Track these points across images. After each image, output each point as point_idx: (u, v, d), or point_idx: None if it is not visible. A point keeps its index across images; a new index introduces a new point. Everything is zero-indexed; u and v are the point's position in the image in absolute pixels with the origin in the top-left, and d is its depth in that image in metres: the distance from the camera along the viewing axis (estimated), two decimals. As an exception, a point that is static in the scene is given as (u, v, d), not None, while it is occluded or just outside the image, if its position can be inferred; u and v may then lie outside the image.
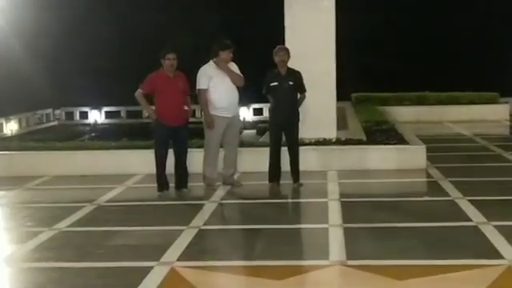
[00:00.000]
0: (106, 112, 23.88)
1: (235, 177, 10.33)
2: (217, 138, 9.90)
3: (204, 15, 27.03)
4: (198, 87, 9.83)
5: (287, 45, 11.02)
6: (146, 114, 10.63)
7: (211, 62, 9.87)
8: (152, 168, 9.84)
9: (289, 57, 9.90)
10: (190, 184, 9.90)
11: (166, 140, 9.62)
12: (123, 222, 8.30)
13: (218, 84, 9.74)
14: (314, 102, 11.12)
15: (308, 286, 6.05)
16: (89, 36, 26.24)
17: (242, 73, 9.99)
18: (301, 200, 9.70)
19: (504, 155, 12.66)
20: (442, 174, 10.74)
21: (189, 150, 10.03)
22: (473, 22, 26.42)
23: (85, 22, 26.14)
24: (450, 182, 10.05)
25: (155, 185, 9.80)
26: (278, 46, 10.03)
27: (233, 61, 9.96)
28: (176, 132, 9.56)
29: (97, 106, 23.69)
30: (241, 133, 11.31)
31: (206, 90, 9.76)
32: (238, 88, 9.95)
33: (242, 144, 10.58)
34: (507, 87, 21.31)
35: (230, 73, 9.79)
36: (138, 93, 9.64)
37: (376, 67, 25.82)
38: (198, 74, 9.87)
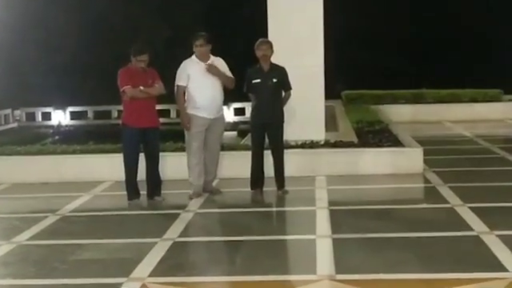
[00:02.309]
0: (71, 112, 23.74)
1: (214, 183, 10.32)
2: (197, 141, 9.85)
3: (180, 6, 27.00)
4: (176, 83, 9.84)
5: (270, 37, 11.05)
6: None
7: (193, 56, 9.87)
8: (121, 174, 9.81)
9: (272, 51, 9.92)
10: (163, 191, 9.89)
11: (136, 143, 9.60)
12: (90, 234, 8.26)
13: (197, 81, 9.71)
14: (300, 100, 11.15)
15: (293, 303, 6.07)
16: (52, 28, 26.10)
17: (230, 69, 9.96)
18: (286, 208, 9.70)
19: (508, 158, 12.75)
20: (440, 179, 10.80)
21: (162, 154, 10.02)
22: (474, 13, 26.59)
23: (48, 12, 26.01)
24: (450, 187, 10.11)
25: (125, 193, 9.77)
26: (260, 39, 10.04)
27: (214, 55, 9.95)
28: (146, 135, 9.55)
29: (61, 106, 23.56)
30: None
31: (184, 87, 9.77)
32: (223, 87, 9.93)
33: (222, 147, 10.56)
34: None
35: (221, 76, 9.76)
36: (130, 90, 9.44)
37: (368, 62, 25.90)
38: (178, 69, 9.88)
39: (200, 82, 9.70)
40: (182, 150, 10.38)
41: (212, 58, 9.90)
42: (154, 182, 9.79)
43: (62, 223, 8.88)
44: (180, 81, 9.79)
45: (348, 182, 10.78)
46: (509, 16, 25.53)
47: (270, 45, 9.96)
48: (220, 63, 9.94)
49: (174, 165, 10.53)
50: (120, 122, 9.85)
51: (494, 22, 26.02)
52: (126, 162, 9.68)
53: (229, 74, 9.95)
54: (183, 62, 9.90)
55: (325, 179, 10.96)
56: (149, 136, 9.59)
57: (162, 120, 10.33)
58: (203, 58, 9.78)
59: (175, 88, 9.85)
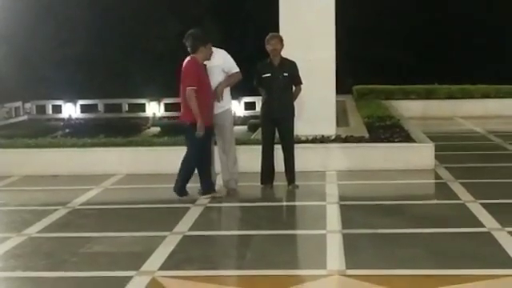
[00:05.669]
0: (82, 105, 23.83)
1: (233, 183, 9.86)
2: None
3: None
4: None
5: (282, 31, 11.05)
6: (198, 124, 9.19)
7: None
8: (132, 168, 9.82)
9: (282, 45, 9.89)
10: (169, 185, 9.87)
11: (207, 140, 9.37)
12: (100, 227, 8.31)
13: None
14: (311, 95, 11.15)
15: (303, 297, 6.08)
16: (63, 20, 26.16)
17: (240, 62, 9.75)
18: (296, 203, 9.71)
19: (520, 154, 12.73)
20: (451, 174, 10.78)
21: (175, 148, 10.01)
22: (488, 7, 26.49)
23: (58, 5, 26.06)
24: (461, 183, 10.09)
25: (135, 186, 9.78)
26: (270, 34, 10.03)
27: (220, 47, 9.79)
28: (208, 130, 9.32)
29: (71, 99, 23.63)
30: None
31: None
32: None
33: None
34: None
35: (222, 86, 9.55)
36: (193, 92, 9.04)
37: (380, 57, 25.87)
38: None
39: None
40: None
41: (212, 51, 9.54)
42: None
43: (72, 216, 8.90)
44: None
45: (359, 178, 10.77)
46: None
47: (280, 39, 9.94)
48: (220, 56, 9.60)
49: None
50: (183, 118, 9.36)
51: (507, 20, 25.94)
52: (194, 164, 9.35)
53: (229, 66, 9.58)
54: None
55: (335, 174, 10.95)
56: (210, 132, 9.40)
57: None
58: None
59: None
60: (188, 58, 9.31)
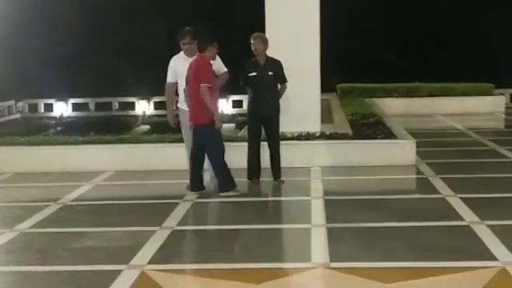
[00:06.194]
0: (73, 104, 23.78)
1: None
2: (187, 135, 9.77)
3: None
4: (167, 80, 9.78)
5: (268, 31, 11.06)
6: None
7: (181, 52, 9.71)
8: (122, 165, 9.80)
9: (264, 45, 9.85)
10: (163, 181, 9.87)
11: None
12: (90, 223, 8.27)
13: (183, 76, 9.52)
14: (296, 93, 11.13)
15: (288, 290, 6.08)
16: (54, 21, 26.05)
17: (226, 62, 9.75)
18: (282, 198, 9.71)
19: (499, 150, 12.76)
20: (432, 170, 10.81)
21: (161, 145, 9.99)
22: (466, 8, 26.59)
23: (50, 5, 25.96)
24: (441, 178, 10.12)
25: (125, 182, 9.75)
26: (254, 34, 9.99)
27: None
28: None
29: (63, 98, 23.56)
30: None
31: (172, 84, 9.67)
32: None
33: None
34: (503, 78, 21.47)
35: (217, 84, 9.59)
36: (207, 89, 9.03)
37: (363, 56, 25.91)
38: (168, 66, 9.77)
39: (184, 77, 9.49)
40: (180, 141, 10.35)
41: None
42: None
43: (63, 212, 8.88)
44: (168, 78, 9.71)
45: (342, 173, 10.78)
46: (501, 13, 25.55)
47: (262, 39, 9.90)
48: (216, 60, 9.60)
49: (173, 155, 10.52)
50: (197, 121, 9.24)
51: (486, 19, 26.05)
52: (222, 158, 9.37)
53: (218, 66, 9.58)
54: (171, 59, 9.79)
55: (320, 170, 10.96)
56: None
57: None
58: (190, 55, 9.56)
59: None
60: (188, 56, 9.34)
